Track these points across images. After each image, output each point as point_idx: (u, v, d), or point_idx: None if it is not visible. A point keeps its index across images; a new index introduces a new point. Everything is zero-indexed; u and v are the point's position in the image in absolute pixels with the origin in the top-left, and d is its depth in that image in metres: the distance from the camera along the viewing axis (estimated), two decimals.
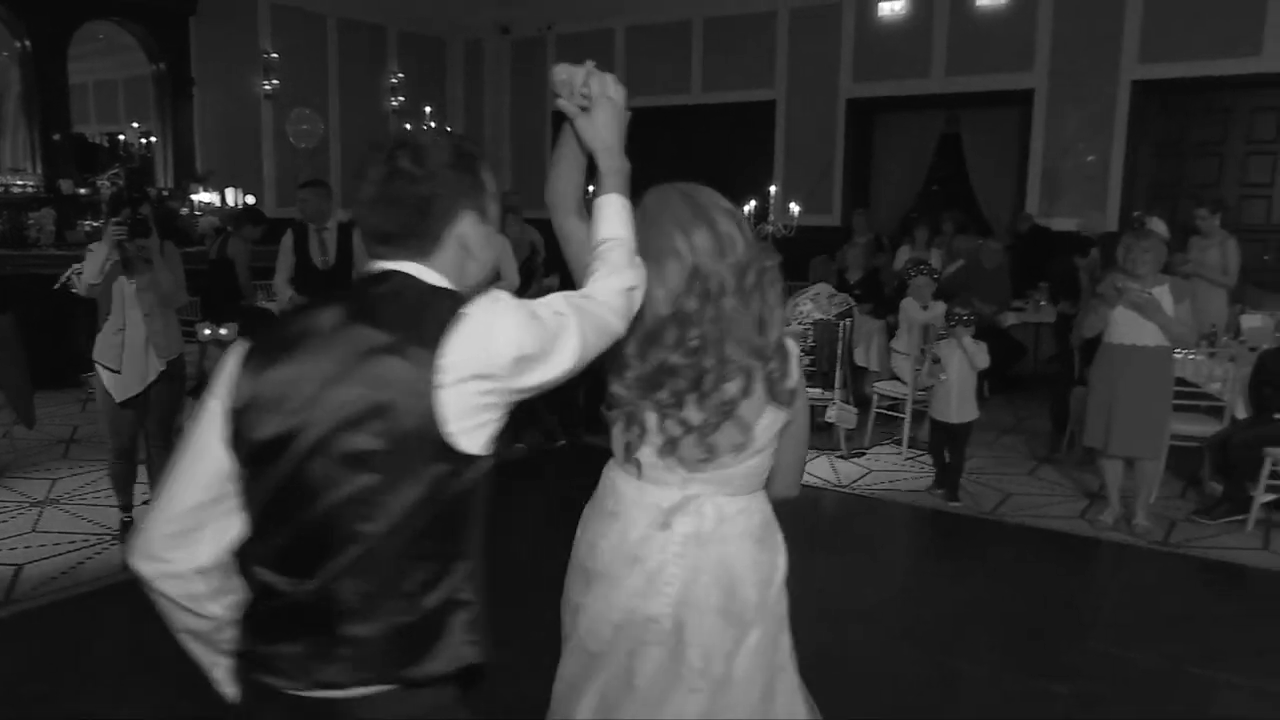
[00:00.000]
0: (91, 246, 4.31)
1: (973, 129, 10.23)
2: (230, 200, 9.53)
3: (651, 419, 1.74)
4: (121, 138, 10.94)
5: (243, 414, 1.34)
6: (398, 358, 1.28)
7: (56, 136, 8.74)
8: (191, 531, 1.37)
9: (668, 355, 1.69)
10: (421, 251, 1.39)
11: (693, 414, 1.71)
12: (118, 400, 4.18)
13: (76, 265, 4.48)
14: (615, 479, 1.85)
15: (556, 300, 1.44)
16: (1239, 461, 4.92)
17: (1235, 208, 8.86)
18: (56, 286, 5.80)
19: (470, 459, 1.31)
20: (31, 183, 8.83)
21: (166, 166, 9.61)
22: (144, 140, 10.41)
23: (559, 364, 1.38)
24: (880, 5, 9.90)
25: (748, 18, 10.57)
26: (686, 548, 1.76)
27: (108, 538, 4.54)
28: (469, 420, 1.29)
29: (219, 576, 1.40)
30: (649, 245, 1.68)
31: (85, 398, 6.42)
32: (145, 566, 1.38)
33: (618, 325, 1.52)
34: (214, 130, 9.80)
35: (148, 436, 4.38)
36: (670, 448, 1.74)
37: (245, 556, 1.39)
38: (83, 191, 8.98)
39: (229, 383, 1.36)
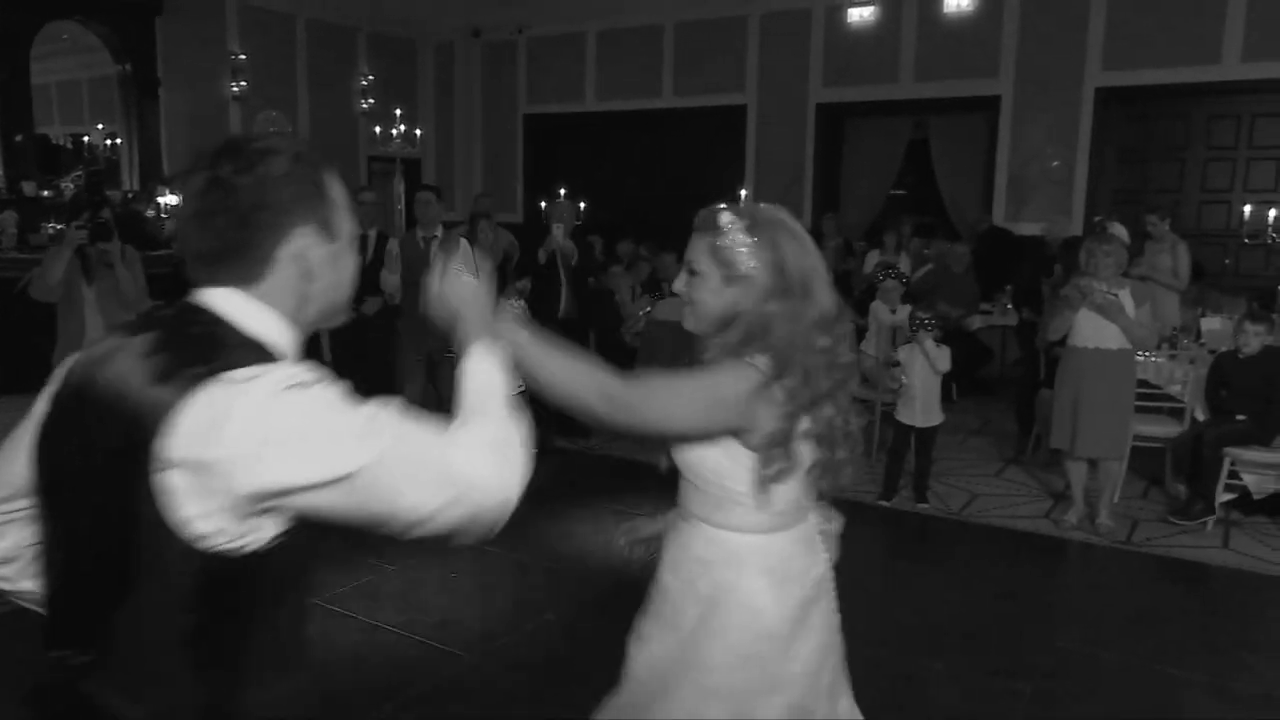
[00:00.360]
0: (50, 249, 4.28)
1: (940, 134, 10.34)
2: None
3: (805, 447, 1.74)
4: (86, 139, 10.80)
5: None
6: None
7: (19, 138, 8.61)
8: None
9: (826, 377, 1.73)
10: (247, 276, 1.18)
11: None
12: None
13: (36, 269, 4.44)
14: (752, 543, 1.81)
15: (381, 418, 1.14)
16: (1210, 463, 5.00)
17: (1196, 213, 9.06)
18: (17, 290, 5.71)
19: None
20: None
21: (132, 168, 9.49)
22: (109, 141, 10.28)
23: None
24: (850, 11, 9.98)
25: (719, 22, 10.62)
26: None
27: None
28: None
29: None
30: (801, 265, 1.72)
31: None
32: None
33: (458, 483, 1.15)
34: (181, 132, 9.69)
35: None
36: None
37: None
38: (46, 194, 8.85)
39: (48, 392, 1.24)
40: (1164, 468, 5.56)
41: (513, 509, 1.20)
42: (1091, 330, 4.82)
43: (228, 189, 1.17)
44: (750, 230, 1.70)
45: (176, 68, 9.58)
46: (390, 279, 5.90)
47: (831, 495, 1.86)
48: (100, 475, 1.12)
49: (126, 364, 1.14)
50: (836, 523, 1.99)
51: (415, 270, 5.82)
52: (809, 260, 1.73)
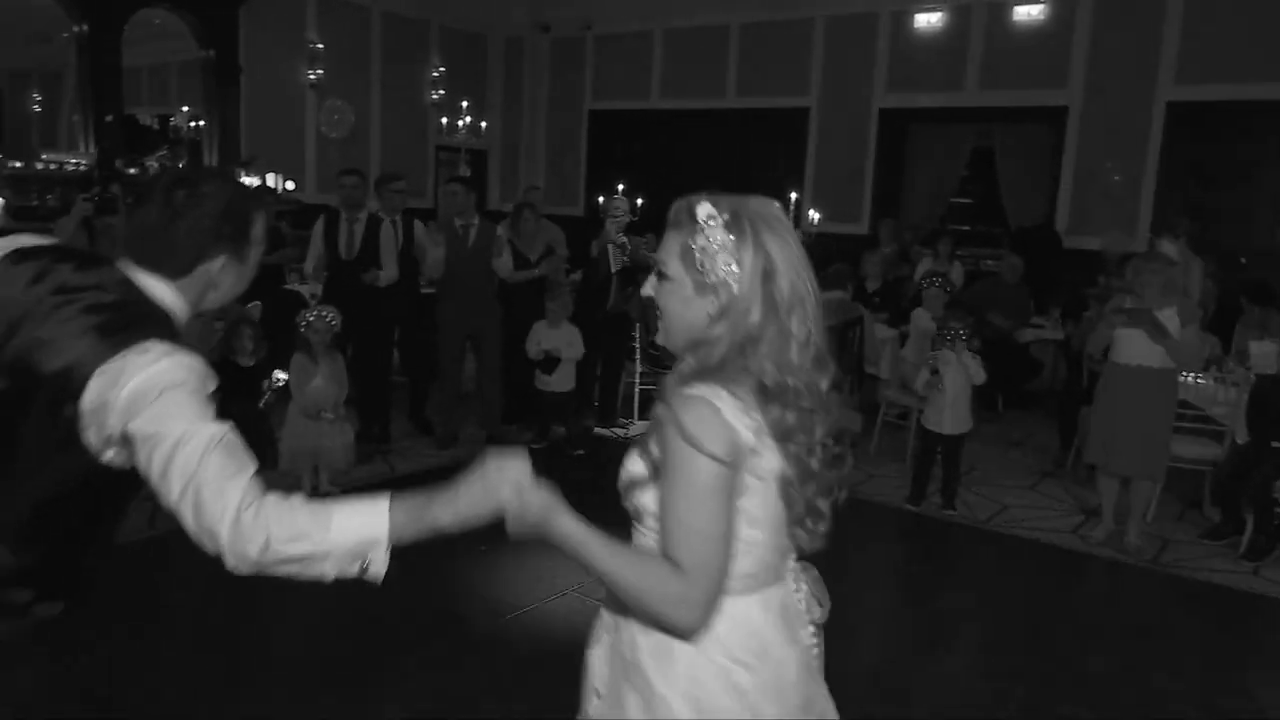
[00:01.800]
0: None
1: (1005, 143, 10.24)
2: (272, 184, 9.82)
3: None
4: (172, 120, 11.29)
5: None
6: None
7: (109, 118, 9.05)
8: None
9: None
10: (172, 273, 1.58)
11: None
12: None
13: None
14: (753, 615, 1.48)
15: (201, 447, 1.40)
16: (1261, 497, 4.90)
17: (1270, 233, 8.80)
18: None
19: None
20: (85, 162, 9.17)
21: (212, 150, 9.90)
22: (193, 124, 10.74)
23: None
24: (916, 17, 9.94)
25: (784, 24, 10.66)
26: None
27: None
28: None
29: None
30: (791, 273, 1.43)
31: None
32: None
33: (221, 535, 1.36)
34: (259, 116, 10.09)
35: None
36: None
37: None
38: (133, 171, 9.30)
39: None
40: (1203, 490, 5.50)
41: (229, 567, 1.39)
42: (1134, 347, 4.80)
43: (177, 210, 1.57)
44: (730, 227, 1.40)
45: (257, 55, 9.97)
46: (435, 252, 6.06)
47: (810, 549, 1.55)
48: (20, 396, 1.46)
49: (72, 311, 1.48)
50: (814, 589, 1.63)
51: (452, 255, 6.04)
52: (801, 268, 1.43)
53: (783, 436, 1.39)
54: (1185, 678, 3.63)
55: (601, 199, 9.20)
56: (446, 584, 4.07)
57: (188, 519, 1.39)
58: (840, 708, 3.17)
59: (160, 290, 1.57)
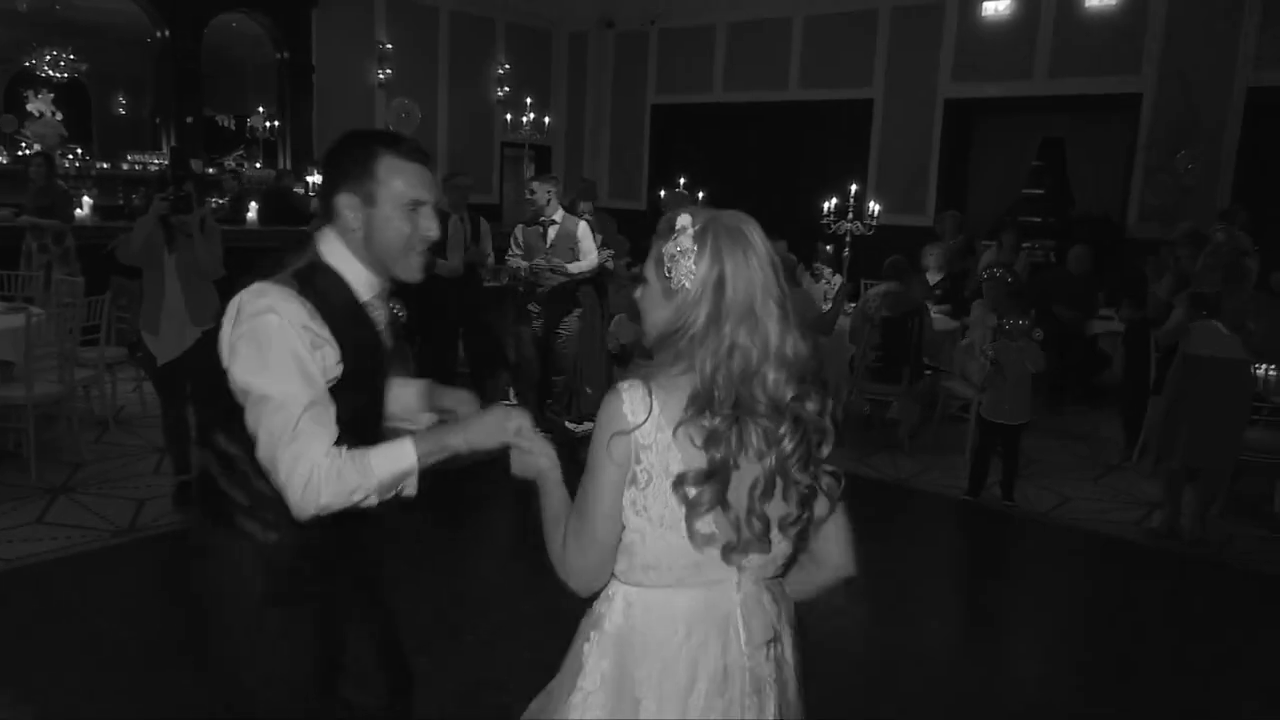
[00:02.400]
0: (140, 218, 4.61)
1: (1076, 132, 10.03)
2: None
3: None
4: (248, 121, 11.69)
5: None
6: None
7: (189, 119, 9.44)
8: None
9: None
10: (325, 216, 1.79)
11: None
12: (160, 362, 4.56)
13: (124, 235, 4.78)
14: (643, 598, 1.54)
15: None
16: None
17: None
18: (104, 253, 6.28)
19: None
20: (166, 161, 9.57)
21: (286, 148, 10.26)
22: (268, 124, 11.12)
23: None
24: (984, 5, 9.80)
25: (848, 16, 10.60)
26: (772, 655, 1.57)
27: None
28: None
29: None
30: (746, 285, 1.46)
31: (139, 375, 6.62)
32: None
33: (280, 474, 1.62)
34: (331, 115, 10.39)
35: (189, 398, 4.66)
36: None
37: None
38: (211, 171, 9.68)
39: None
40: (1271, 484, 5.36)
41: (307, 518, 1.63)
42: (1210, 338, 4.72)
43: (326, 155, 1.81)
44: (697, 237, 1.46)
45: (329, 56, 10.27)
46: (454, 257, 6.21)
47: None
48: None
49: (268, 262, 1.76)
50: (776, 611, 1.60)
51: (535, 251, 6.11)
52: (758, 281, 1.45)
53: (707, 440, 1.42)
54: (1244, 672, 3.57)
55: (663, 193, 9.29)
56: (474, 566, 4.20)
57: (273, 471, 1.63)
58: (895, 693, 3.23)
59: (325, 242, 1.75)
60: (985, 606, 4.11)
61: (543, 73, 12.53)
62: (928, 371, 6.67)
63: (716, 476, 1.42)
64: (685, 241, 1.47)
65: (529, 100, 11.49)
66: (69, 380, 5.40)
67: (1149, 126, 9.11)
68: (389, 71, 10.74)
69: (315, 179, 9.66)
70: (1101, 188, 9.85)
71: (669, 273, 1.47)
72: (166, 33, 9.21)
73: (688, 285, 1.46)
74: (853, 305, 6.89)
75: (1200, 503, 4.87)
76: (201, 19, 9.38)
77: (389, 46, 10.72)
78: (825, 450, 1.50)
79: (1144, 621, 4.04)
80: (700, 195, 9.42)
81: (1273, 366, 5.38)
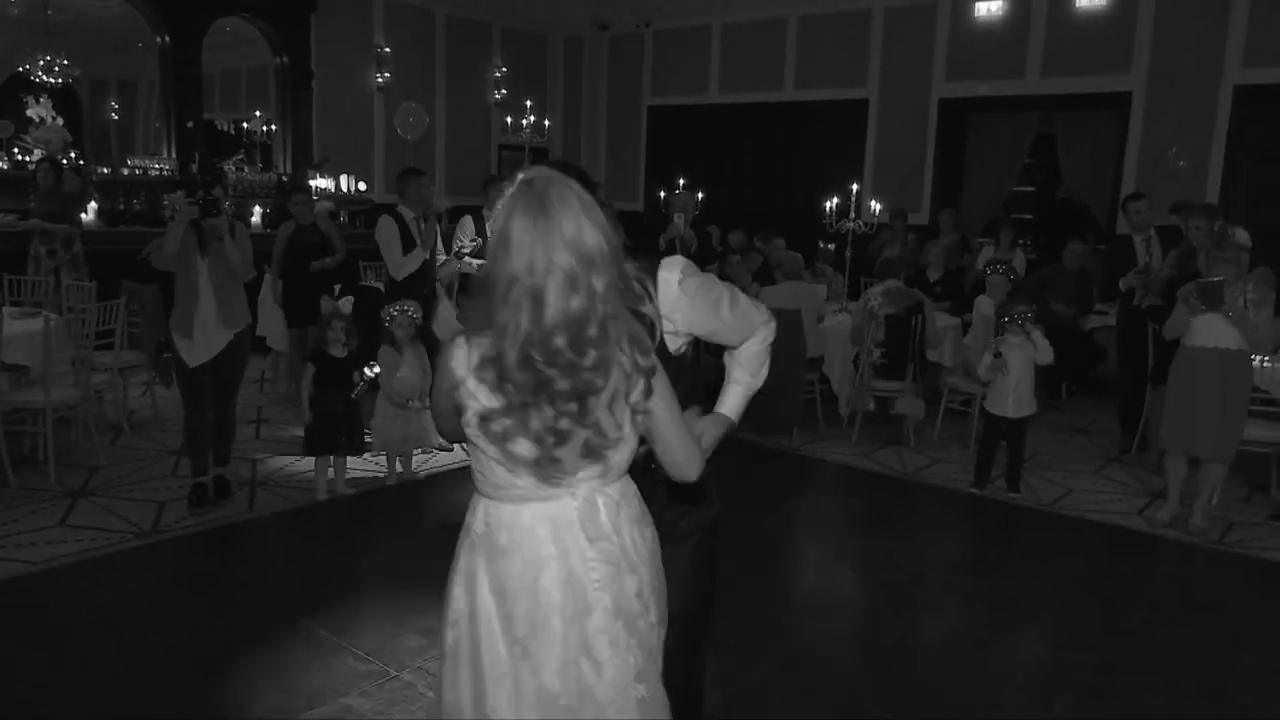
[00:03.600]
0: (171, 224, 4.66)
1: (1068, 130, 10.17)
2: (344, 186, 10.16)
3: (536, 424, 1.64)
4: (246, 125, 11.71)
5: None
6: None
7: (190, 124, 9.46)
8: None
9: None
10: None
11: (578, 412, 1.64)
12: (190, 366, 4.60)
13: (156, 241, 4.86)
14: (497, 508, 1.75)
15: None
16: None
17: None
18: (139, 258, 6.29)
19: None
20: (166, 166, 9.60)
21: (285, 153, 10.28)
22: (265, 128, 11.14)
23: None
24: (976, 5, 9.92)
25: (842, 16, 10.71)
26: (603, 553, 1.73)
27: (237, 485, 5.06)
28: None
29: None
30: (528, 244, 1.55)
31: (150, 379, 6.70)
32: None
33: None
34: (330, 120, 10.44)
35: (215, 397, 4.76)
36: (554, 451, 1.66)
37: None
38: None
39: None
40: (1269, 473, 5.49)
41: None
42: (1209, 330, 4.83)
43: None
44: (509, 197, 1.58)
45: (328, 60, 10.31)
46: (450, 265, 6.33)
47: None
48: None
49: None
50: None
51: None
52: (543, 241, 1.53)
53: (494, 382, 1.60)
54: (1251, 652, 3.69)
55: (663, 194, 9.38)
56: None
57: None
58: (906, 681, 3.32)
59: None
60: (993, 596, 4.21)
61: (539, 76, 12.60)
62: (930, 367, 6.79)
63: (513, 414, 1.60)
64: (498, 200, 1.58)
65: (529, 103, 11.55)
66: (85, 385, 5.46)
67: (1141, 124, 9.24)
68: (387, 75, 10.79)
69: (318, 182, 9.73)
70: (1094, 184, 10.00)
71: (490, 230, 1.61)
72: (166, 37, 9.23)
73: (487, 242, 1.61)
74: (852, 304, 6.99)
75: (1203, 492, 4.99)
76: (201, 23, 9.40)
77: (387, 50, 10.77)
78: (635, 395, 1.65)
79: (1151, 608, 4.15)
80: (700, 195, 9.52)
81: (1265, 358, 5.50)
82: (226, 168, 10.33)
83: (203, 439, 4.80)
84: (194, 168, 9.54)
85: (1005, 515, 5.30)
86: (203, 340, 4.58)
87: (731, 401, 2.27)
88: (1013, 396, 5.34)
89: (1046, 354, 5.33)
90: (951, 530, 5.24)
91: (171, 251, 4.49)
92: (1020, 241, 9.03)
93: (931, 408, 6.66)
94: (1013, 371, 5.31)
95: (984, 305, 6.44)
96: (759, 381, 2.28)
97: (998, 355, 5.36)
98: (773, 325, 2.28)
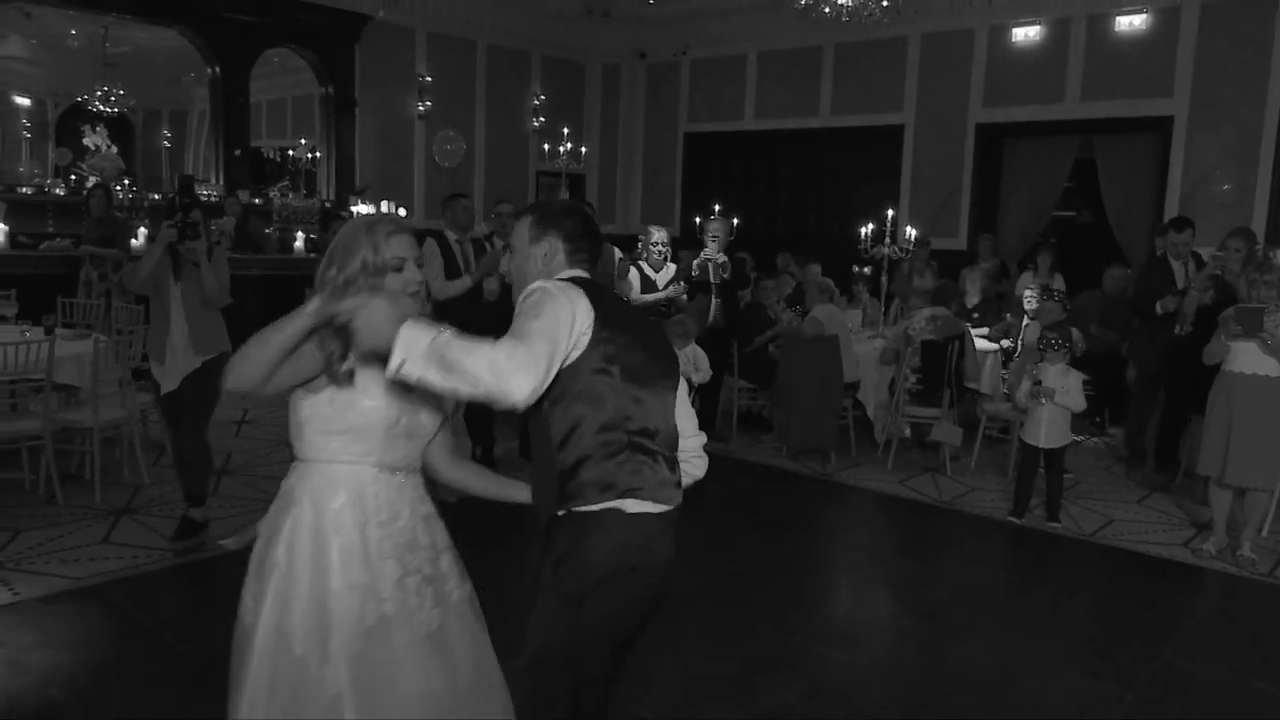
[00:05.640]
0: (148, 247, 4.62)
1: (1108, 155, 10.06)
2: (384, 211, 10.34)
3: None
4: (291, 153, 11.99)
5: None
6: None
7: (237, 152, 9.71)
8: None
9: None
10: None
11: None
12: (162, 392, 4.57)
13: (130, 264, 4.82)
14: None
15: None
16: None
17: None
18: (114, 282, 6.26)
19: None
20: (214, 193, 9.85)
21: (329, 179, 10.50)
22: (310, 155, 11.39)
23: None
24: (1014, 30, 9.89)
25: (878, 43, 10.71)
26: None
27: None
28: None
29: None
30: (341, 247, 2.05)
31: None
32: None
33: None
34: (372, 147, 10.65)
35: (181, 426, 4.64)
36: None
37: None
38: (257, 201, 9.94)
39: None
40: None
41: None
42: (1249, 356, 4.75)
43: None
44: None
45: (371, 89, 10.53)
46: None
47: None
48: None
49: None
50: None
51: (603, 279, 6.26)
52: (348, 249, 2.03)
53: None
54: None
55: (699, 219, 9.42)
56: None
57: None
58: (944, 709, 3.27)
59: None
60: (1029, 626, 4.14)
61: (577, 103, 12.75)
62: (967, 393, 6.73)
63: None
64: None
65: (566, 130, 11.69)
66: (131, 405, 5.58)
67: (1183, 147, 9.13)
68: (428, 103, 10.99)
69: (359, 208, 9.91)
70: (1136, 209, 9.86)
71: None
72: (217, 69, 9.50)
73: None
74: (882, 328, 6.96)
75: (1251, 522, 4.88)
76: (250, 55, 9.66)
77: (428, 79, 10.98)
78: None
79: (1193, 641, 4.05)
80: (735, 221, 9.54)
81: None
82: (271, 194, 10.57)
83: (190, 465, 4.70)
84: (282, 195, 9.70)
85: (1044, 545, 5.21)
86: (172, 365, 4.48)
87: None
88: (1047, 426, 5.26)
89: (1078, 401, 5.25)
90: (988, 559, 5.17)
91: (145, 275, 4.40)
92: (1056, 266, 8.92)
93: (969, 434, 6.59)
94: (1048, 400, 5.23)
95: (1033, 332, 6.35)
96: (425, 369, 1.81)
97: (1037, 384, 5.29)
98: (511, 382, 1.83)
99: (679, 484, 2.15)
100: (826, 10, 7.46)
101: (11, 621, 3.80)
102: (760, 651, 3.73)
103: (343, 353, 1.96)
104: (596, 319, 2.01)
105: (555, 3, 11.53)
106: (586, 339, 1.99)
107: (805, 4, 7.37)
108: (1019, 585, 4.81)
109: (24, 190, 9.66)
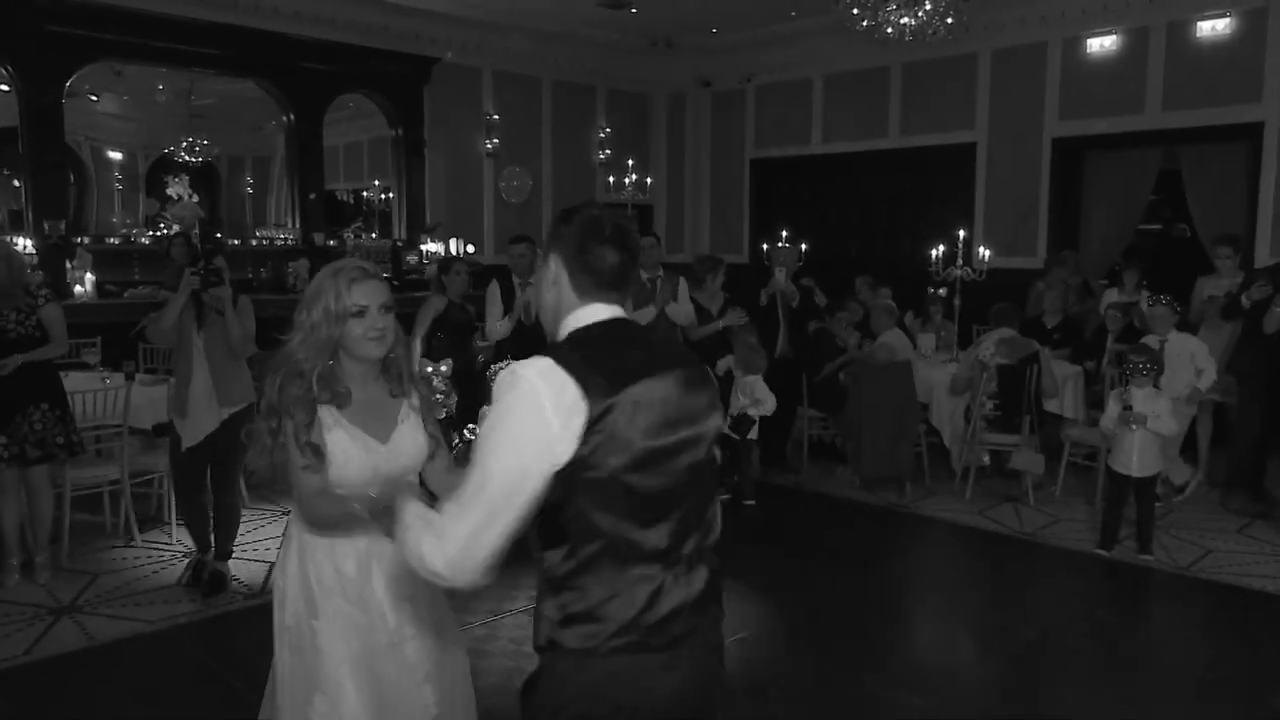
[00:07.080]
0: (170, 295, 4.37)
1: (1194, 166, 9.64)
2: (454, 249, 10.49)
3: None
4: (365, 194, 12.28)
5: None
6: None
7: (312, 195, 9.96)
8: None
9: None
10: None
11: None
12: (185, 446, 4.37)
13: (152, 314, 4.61)
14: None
15: None
16: None
17: None
18: (134, 333, 6.18)
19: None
20: (291, 236, 10.11)
21: (401, 219, 10.70)
22: (383, 196, 11.65)
23: None
24: (1089, 41, 9.59)
25: (947, 60, 10.49)
26: None
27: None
28: None
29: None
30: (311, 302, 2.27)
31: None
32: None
33: None
34: (442, 185, 10.82)
35: (211, 481, 4.53)
36: None
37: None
38: (332, 244, 10.17)
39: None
40: None
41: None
42: None
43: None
44: None
45: (440, 129, 10.72)
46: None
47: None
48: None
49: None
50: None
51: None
52: (324, 310, 2.21)
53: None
54: None
55: (765, 246, 9.31)
56: None
57: None
58: None
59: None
60: (1124, 668, 3.89)
61: (642, 133, 12.79)
62: (1050, 419, 6.44)
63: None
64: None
65: (631, 162, 11.72)
66: None
67: (1276, 154, 8.68)
68: (496, 141, 11.14)
69: (429, 246, 10.07)
70: (1225, 219, 9.41)
71: None
72: (292, 116, 9.78)
73: None
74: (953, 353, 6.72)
75: None
76: (323, 101, 9.93)
77: (496, 117, 11.14)
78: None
79: None
80: (804, 247, 9.40)
81: None
82: (347, 236, 10.82)
83: (200, 524, 4.65)
84: (357, 237, 9.82)
85: (1137, 580, 4.93)
86: (195, 419, 4.34)
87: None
88: (1138, 454, 4.98)
89: (1169, 424, 4.96)
90: (1076, 595, 4.90)
91: (168, 325, 4.25)
92: (1143, 283, 8.53)
93: (1052, 462, 6.30)
94: (1138, 425, 4.95)
95: (1150, 343, 5.94)
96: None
97: (1127, 408, 5.01)
98: (421, 549, 1.60)
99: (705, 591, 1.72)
100: (890, 31, 7.30)
101: (82, 665, 3.88)
102: (833, 699, 3.58)
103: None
104: (590, 415, 1.55)
105: (619, 37, 11.60)
106: (573, 446, 1.56)
107: (866, 25, 7.23)
108: (1112, 625, 4.53)
109: (111, 240, 10.07)
